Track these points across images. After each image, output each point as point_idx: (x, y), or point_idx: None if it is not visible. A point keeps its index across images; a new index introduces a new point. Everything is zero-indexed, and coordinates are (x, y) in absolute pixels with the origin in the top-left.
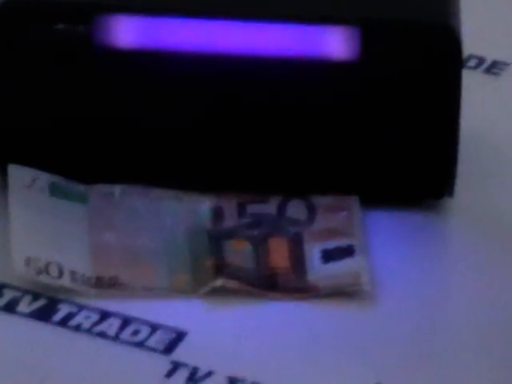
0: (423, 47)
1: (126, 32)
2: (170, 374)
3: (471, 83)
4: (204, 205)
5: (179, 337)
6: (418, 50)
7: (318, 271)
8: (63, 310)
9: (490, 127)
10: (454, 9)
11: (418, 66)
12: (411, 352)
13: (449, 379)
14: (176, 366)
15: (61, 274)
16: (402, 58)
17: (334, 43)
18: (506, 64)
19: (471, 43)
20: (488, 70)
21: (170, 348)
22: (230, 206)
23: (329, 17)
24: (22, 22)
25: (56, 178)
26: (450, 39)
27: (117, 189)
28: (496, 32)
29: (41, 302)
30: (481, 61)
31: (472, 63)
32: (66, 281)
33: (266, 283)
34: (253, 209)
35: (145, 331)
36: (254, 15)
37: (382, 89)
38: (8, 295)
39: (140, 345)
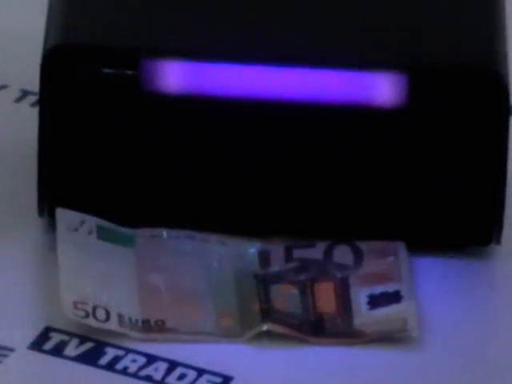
0: (470, 94)
1: (174, 77)
2: None
3: None
4: (251, 249)
5: (225, 381)
6: (466, 97)
7: (365, 316)
8: (110, 354)
9: None
10: (501, 51)
11: (465, 112)
12: None
13: None
14: None
15: (108, 317)
16: (449, 105)
17: (381, 89)
18: None
19: None
20: None
21: None
22: (276, 250)
23: (376, 63)
24: (70, 66)
25: (103, 222)
26: (498, 86)
27: (163, 232)
28: None
29: (88, 346)
30: None
31: None
32: (113, 324)
33: (312, 328)
34: (299, 253)
35: (191, 375)
36: (301, 60)
37: (428, 134)
38: (55, 338)
39: None
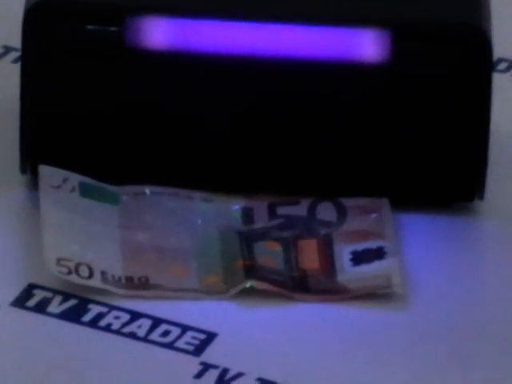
0: (453, 50)
1: (158, 33)
2: (199, 375)
3: (501, 86)
4: (235, 206)
5: (209, 338)
6: (448, 53)
7: (348, 273)
8: (93, 311)
9: None
10: (484, 11)
11: (449, 68)
12: (443, 354)
13: (481, 380)
14: (206, 368)
15: (91, 274)
16: (433, 61)
17: (365, 45)
18: None
19: (501, 47)
20: None
21: (200, 349)
22: (260, 207)
23: (360, 19)
24: (54, 22)
25: (86, 179)
26: (481, 41)
27: (147, 189)
28: None
29: (71, 303)
30: (511, 64)
31: (502, 66)
32: (96, 281)
33: (296, 285)
34: (283, 210)
35: (175, 332)
36: (286, 17)
37: (412, 91)
38: (39, 295)
39: (170, 346)
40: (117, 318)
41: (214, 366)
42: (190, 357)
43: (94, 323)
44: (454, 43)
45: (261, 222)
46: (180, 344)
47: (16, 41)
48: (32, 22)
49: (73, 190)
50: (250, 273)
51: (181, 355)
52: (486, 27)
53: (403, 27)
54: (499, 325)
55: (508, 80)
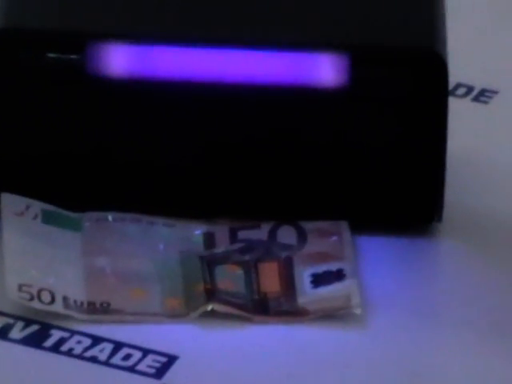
0: (410, 74)
1: (119, 60)
2: None
3: (460, 111)
4: (196, 230)
5: (170, 361)
6: (405, 77)
7: (309, 295)
8: (55, 336)
9: (478, 154)
10: (441, 36)
11: (405, 92)
12: (401, 374)
13: None
14: None
15: (53, 299)
16: (389, 85)
17: (323, 70)
18: (494, 92)
19: (459, 72)
20: (476, 99)
21: (161, 372)
22: (221, 231)
23: (317, 43)
24: (14, 51)
25: (48, 206)
26: (437, 66)
27: (109, 215)
28: (485, 60)
29: (33, 328)
30: (469, 89)
31: (460, 92)
32: (58, 306)
33: (256, 307)
34: (244, 234)
35: (136, 355)
36: (243, 42)
37: (369, 115)
38: (0, 321)
39: (131, 369)
40: (78, 342)
41: None
42: (151, 380)
43: (55, 348)
44: (410, 68)
45: (222, 246)
46: (141, 367)
47: None
48: None
49: (35, 217)
50: (211, 296)
51: (142, 378)
52: (441, 51)
53: (361, 51)
54: (458, 346)
55: (467, 105)
